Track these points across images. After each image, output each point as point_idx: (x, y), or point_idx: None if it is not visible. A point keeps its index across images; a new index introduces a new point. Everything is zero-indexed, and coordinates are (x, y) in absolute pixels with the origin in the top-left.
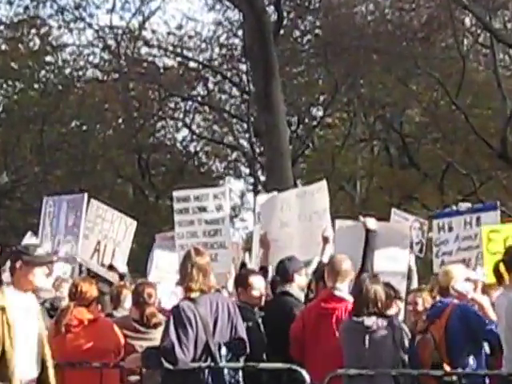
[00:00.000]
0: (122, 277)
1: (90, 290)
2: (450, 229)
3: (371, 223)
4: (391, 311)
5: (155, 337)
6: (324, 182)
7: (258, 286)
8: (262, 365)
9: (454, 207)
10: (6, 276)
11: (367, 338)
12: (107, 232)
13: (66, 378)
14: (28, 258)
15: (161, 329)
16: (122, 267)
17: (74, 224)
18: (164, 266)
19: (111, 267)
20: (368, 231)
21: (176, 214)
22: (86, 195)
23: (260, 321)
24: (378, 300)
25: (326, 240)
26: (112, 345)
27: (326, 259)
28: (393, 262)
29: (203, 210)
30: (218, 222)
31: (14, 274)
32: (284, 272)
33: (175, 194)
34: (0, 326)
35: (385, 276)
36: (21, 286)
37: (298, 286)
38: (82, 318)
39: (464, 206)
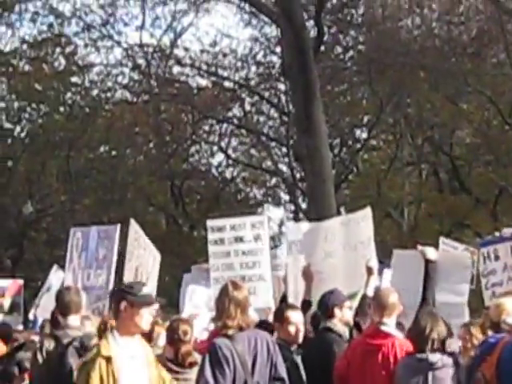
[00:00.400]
0: None
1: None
2: (497, 257)
3: (431, 253)
4: (451, 348)
5: (191, 377)
6: (369, 209)
7: (295, 321)
8: None
9: (497, 233)
10: (39, 312)
11: (430, 375)
12: (142, 259)
13: None
14: (133, 299)
15: (196, 369)
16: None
17: (105, 257)
18: (198, 300)
19: None
20: (427, 261)
21: (210, 244)
22: (118, 226)
23: (299, 359)
24: (441, 336)
25: (370, 271)
26: None
27: (370, 292)
28: (453, 295)
29: (240, 240)
30: (256, 253)
31: (118, 317)
32: (324, 307)
33: (209, 223)
34: (105, 378)
35: (446, 308)
36: (126, 331)
37: (340, 321)
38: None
39: (508, 231)
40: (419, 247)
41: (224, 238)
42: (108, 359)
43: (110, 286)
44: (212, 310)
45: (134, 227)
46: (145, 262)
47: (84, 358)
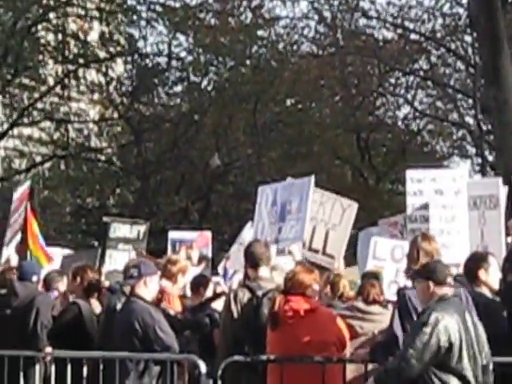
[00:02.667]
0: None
1: (304, 276)
2: None
3: None
4: None
5: (378, 318)
6: None
7: None
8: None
9: None
10: (229, 264)
11: None
12: (316, 214)
13: (285, 373)
14: None
15: (384, 311)
16: (338, 254)
17: (299, 209)
18: (381, 252)
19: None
20: None
21: (409, 195)
22: (312, 178)
23: None
24: None
25: None
26: (333, 337)
27: None
28: None
29: (440, 193)
30: (455, 207)
31: None
32: None
33: (409, 173)
34: None
35: None
36: None
37: None
38: (297, 308)
39: None
40: None
41: (423, 190)
42: None
43: (304, 235)
44: (396, 261)
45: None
46: (321, 216)
47: None
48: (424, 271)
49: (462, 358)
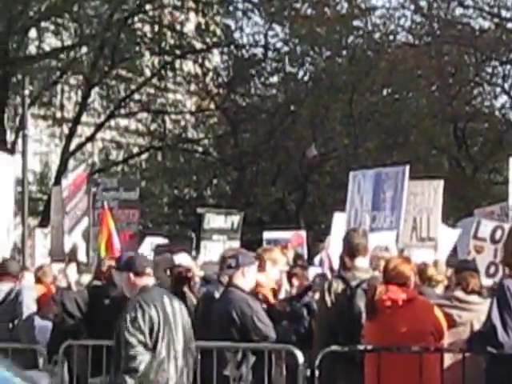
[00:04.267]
0: None
1: (404, 267)
2: None
3: None
4: None
5: (477, 308)
6: None
7: None
8: None
9: None
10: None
11: None
12: (421, 205)
13: (383, 363)
14: None
15: (483, 301)
16: (436, 233)
17: (393, 198)
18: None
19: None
20: None
21: (511, 182)
22: (407, 167)
23: None
24: None
25: None
26: (430, 327)
27: None
28: None
29: None
30: None
31: None
32: None
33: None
34: None
35: None
36: None
37: None
38: (396, 297)
39: None
40: None
41: None
42: None
43: (401, 227)
44: (495, 242)
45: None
46: (424, 205)
47: None
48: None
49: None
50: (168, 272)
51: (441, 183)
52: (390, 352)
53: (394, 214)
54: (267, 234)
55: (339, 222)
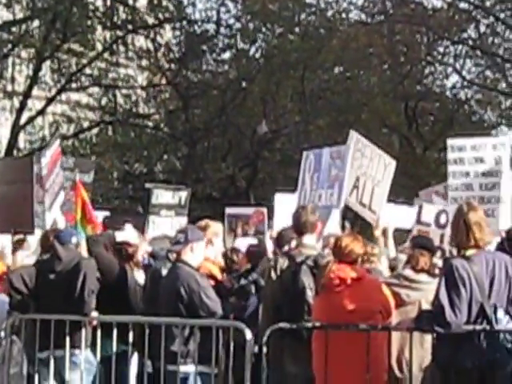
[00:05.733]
0: None
1: (354, 245)
2: None
3: None
4: None
5: (425, 287)
6: None
7: None
8: None
9: None
10: None
11: None
12: (366, 169)
13: (330, 340)
14: None
15: (432, 280)
16: (379, 209)
17: (337, 177)
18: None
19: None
20: None
21: (450, 164)
22: (355, 133)
23: None
24: None
25: None
26: (378, 305)
27: None
28: None
29: (480, 161)
30: (496, 175)
31: None
32: None
33: (450, 142)
34: None
35: None
36: None
37: None
38: (344, 276)
39: None
40: None
41: (464, 158)
42: None
43: (341, 204)
44: (441, 226)
45: (355, 137)
46: (370, 171)
47: None
48: None
49: None
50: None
51: (393, 162)
52: (338, 330)
53: (336, 190)
54: (229, 210)
55: (281, 203)
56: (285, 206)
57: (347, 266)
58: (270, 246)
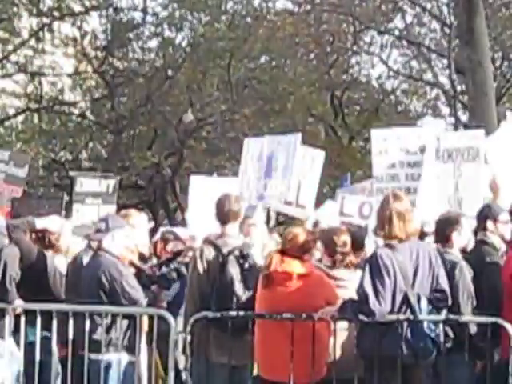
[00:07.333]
0: None
1: (304, 239)
2: None
3: None
4: None
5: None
6: None
7: None
8: (464, 318)
9: None
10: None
11: None
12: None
13: (271, 330)
14: None
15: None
16: (309, 203)
17: (285, 167)
18: (350, 209)
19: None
20: None
21: (374, 154)
22: (299, 136)
23: None
24: None
25: None
26: (322, 302)
27: None
28: None
29: (405, 151)
30: (421, 165)
31: None
32: (479, 219)
33: (374, 132)
34: None
35: None
36: None
37: (495, 234)
38: (290, 270)
39: None
40: None
41: (389, 148)
42: None
43: (291, 195)
44: (364, 217)
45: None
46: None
47: None
48: None
49: None
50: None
51: (321, 154)
52: (263, 319)
53: (284, 182)
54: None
55: (196, 186)
56: (200, 189)
57: (294, 260)
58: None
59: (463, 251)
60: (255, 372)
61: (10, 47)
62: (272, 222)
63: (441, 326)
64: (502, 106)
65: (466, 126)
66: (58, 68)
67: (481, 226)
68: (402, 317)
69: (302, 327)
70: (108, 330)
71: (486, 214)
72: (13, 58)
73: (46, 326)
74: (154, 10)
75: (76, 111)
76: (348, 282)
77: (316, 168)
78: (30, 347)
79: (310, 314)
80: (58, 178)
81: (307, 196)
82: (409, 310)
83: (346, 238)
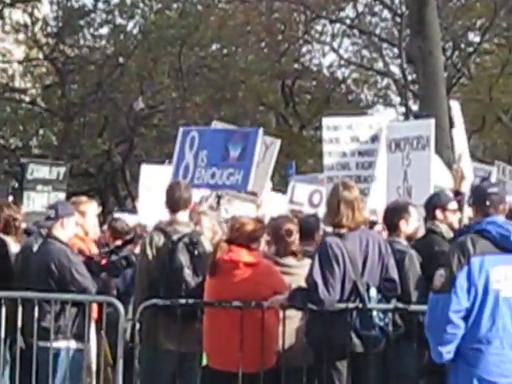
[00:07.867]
0: None
1: (252, 228)
2: None
3: None
4: None
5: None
6: None
7: None
8: (413, 307)
9: None
10: None
11: None
12: None
13: (207, 317)
14: None
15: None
16: (261, 191)
17: (242, 158)
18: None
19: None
20: None
21: (325, 143)
22: (261, 131)
23: None
24: None
25: None
26: (269, 291)
27: None
28: None
29: (356, 140)
30: (372, 154)
31: None
32: (427, 208)
33: (325, 121)
34: None
35: None
36: None
37: (444, 223)
38: (237, 259)
39: None
40: None
41: (340, 137)
42: None
43: (249, 186)
44: (314, 206)
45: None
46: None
47: None
48: None
49: None
50: None
51: (277, 142)
52: (212, 307)
53: (240, 172)
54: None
55: (146, 175)
56: (151, 178)
57: (242, 249)
58: None
59: (412, 239)
60: (204, 362)
61: None
62: (223, 211)
63: (390, 314)
64: (453, 95)
65: (416, 116)
66: (8, 55)
67: (430, 215)
68: (351, 305)
69: (251, 316)
70: (57, 317)
71: (434, 203)
72: None
73: None
74: None
75: (27, 98)
76: (296, 269)
77: (269, 156)
78: None
79: (259, 302)
80: (8, 164)
81: (259, 183)
82: (358, 299)
83: (290, 226)
